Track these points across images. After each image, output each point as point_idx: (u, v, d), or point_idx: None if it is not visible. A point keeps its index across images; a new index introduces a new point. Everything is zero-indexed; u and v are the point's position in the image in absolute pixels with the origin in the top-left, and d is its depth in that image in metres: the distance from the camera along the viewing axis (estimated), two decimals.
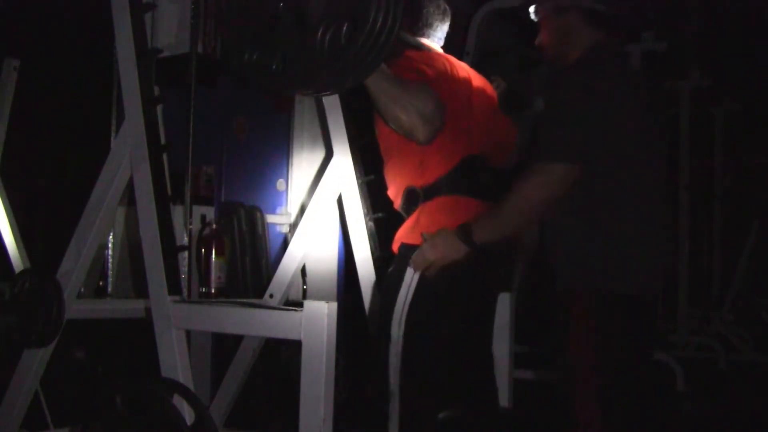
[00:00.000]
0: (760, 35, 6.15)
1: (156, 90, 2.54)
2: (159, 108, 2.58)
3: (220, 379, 3.06)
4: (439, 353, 2.37)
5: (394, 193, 2.51)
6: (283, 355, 3.72)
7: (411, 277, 2.30)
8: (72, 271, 2.63)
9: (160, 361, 2.29)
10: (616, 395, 2.20)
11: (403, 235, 2.43)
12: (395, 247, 2.46)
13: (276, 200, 4.13)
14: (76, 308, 2.69)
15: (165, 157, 2.51)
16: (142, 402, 2.17)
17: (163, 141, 2.56)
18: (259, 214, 3.89)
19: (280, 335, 2.06)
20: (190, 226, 2.59)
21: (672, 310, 6.63)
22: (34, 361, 2.68)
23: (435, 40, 2.63)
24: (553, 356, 2.33)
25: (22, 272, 2.82)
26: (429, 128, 2.30)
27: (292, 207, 4.14)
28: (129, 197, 2.74)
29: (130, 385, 2.24)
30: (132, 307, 3.00)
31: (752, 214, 7.32)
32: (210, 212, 3.57)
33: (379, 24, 1.91)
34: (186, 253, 2.51)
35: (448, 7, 2.65)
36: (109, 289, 3.45)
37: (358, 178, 2.71)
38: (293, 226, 4.05)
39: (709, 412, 4.93)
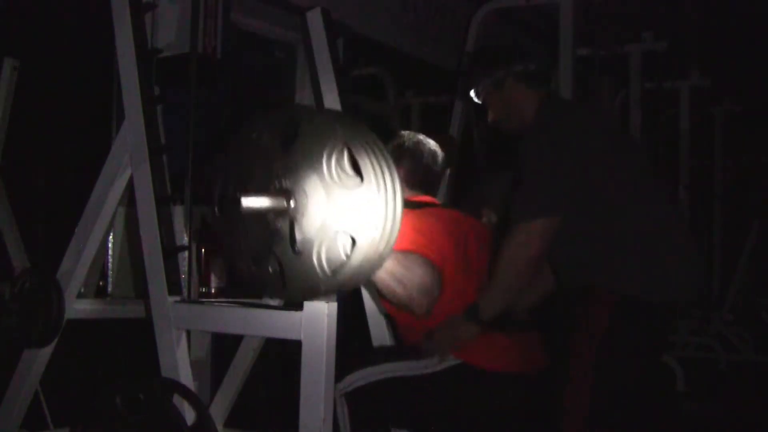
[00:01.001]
0: (760, 35, 6.16)
1: (156, 90, 2.54)
2: (159, 108, 2.58)
3: (220, 379, 3.06)
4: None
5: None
6: (283, 355, 3.72)
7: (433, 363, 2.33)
8: (72, 271, 2.63)
9: (160, 361, 2.29)
10: (609, 395, 2.20)
11: None
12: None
13: None
14: (76, 308, 2.69)
15: (165, 157, 2.51)
16: (142, 402, 2.17)
17: (163, 141, 2.55)
18: None
19: (280, 335, 2.06)
20: (190, 226, 2.58)
21: None
22: (34, 361, 2.68)
23: (432, 193, 2.62)
24: (551, 349, 2.34)
25: (22, 272, 2.82)
26: (427, 300, 2.23)
27: None
28: (129, 197, 2.74)
29: (130, 385, 2.24)
30: (132, 307, 3.00)
31: (752, 214, 7.32)
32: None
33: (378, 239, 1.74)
34: (186, 253, 2.51)
35: (438, 150, 2.62)
36: (109, 289, 3.45)
37: None
38: None
39: (709, 412, 4.93)
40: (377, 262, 1.78)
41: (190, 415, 2.14)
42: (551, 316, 2.39)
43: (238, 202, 1.77)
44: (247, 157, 1.89)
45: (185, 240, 2.59)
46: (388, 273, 2.16)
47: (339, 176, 1.72)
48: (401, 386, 2.34)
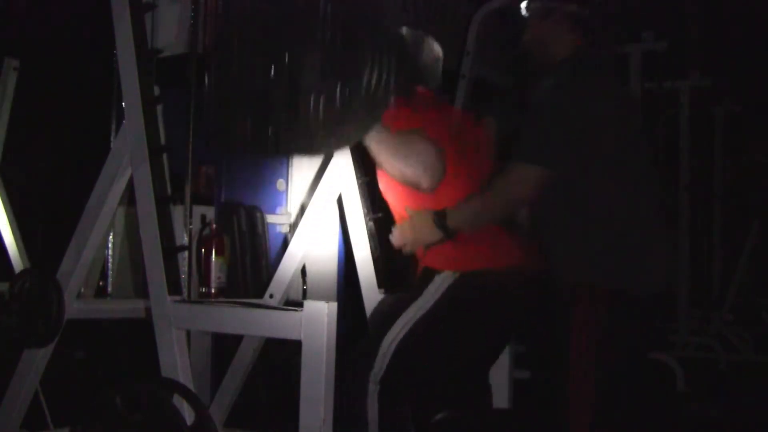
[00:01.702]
0: (760, 35, 6.16)
1: (156, 90, 2.54)
2: (159, 108, 2.58)
3: (220, 379, 3.06)
4: (436, 365, 2.37)
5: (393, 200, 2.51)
6: (283, 355, 3.72)
7: (435, 289, 2.32)
8: (72, 271, 2.63)
9: (160, 361, 2.29)
10: (613, 392, 2.21)
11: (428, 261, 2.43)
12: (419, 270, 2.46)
13: (276, 200, 4.13)
14: (76, 308, 2.69)
15: (165, 157, 2.51)
16: (142, 402, 2.17)
17: (163, 141, 2.55)
18: (259, 214, 3.89)
19: (280, 335, 2.06)
20: (190, 226, 2.58)
21: (672, 310, 6.63)
22: (34, 361, 2.68)
23: (430, 86, 2.63)
24: (549, 350, 2.33)
25: (22, 272, 2.82)
26: (432, 175, 2.30)
27: (292, 207, 4.14)
28: (129, 197, 2.74)
29: (130, 385, 2.24)
30: (132, 307, 3.00)
31: (752, 214, 7.32)
32: (210, 212, 3.57)
33: (374, 81, 1.88)
34: (186, 253, 2.51)
35: (440, 50, 2.63)
36: (109, 289, 3.45)
37: (358, 178, 2.72)
38: (293, 226, 4.05)
39: (709, 412, 4.92)
40: (375, 114, 1.92)
41: (190, 415, 2.13)
42: (550, 316, 2.39)
43: None
44: None
45: (185, 240, 2.59)
46: (391, 150, 2.23)
47: None
48: (420, 336, 2.29)
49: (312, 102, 1.92)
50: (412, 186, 2.33)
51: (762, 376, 6.16)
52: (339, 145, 2.13)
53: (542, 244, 2.35)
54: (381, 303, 2.78)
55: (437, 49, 2.62)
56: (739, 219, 7.40)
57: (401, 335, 2.27)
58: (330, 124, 1.93)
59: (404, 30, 2.61)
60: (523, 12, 2.50)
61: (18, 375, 2.72)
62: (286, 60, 1.92)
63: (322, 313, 1.92)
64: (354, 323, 2.91)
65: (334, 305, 1.93)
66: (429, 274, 2.38)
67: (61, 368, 2.93)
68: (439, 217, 2.29)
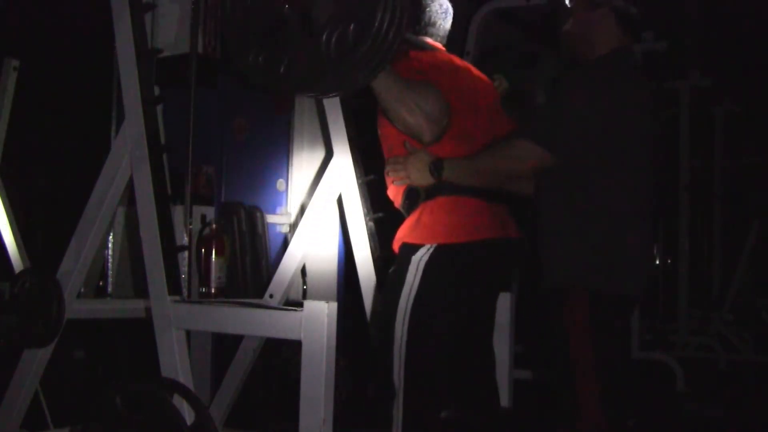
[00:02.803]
0: (760, 35, 6.16)
1: (156, 90, 2.54)
2: (159, 108, 2.58)
3: (220, 379, 3.06)
4: (442, 352, 2.37)
5: (395, 192, 2.51)
6: (283, 355, 3.73)
7: (414, 276, 2.32)
8: (72, 271, 2.63)
9: (160, 361, 2.29)
10: (616, 391, 2.22)
11: (404, 234, 2.44)
12: (396, 246, 2.47)
13: (276, 200, 4.13)
14: (76, 308, 2.69)
15: (165, 157, 2.51)
16: (142, 402, 2.17)
17: (163, 141, 2.55)
18: (259, 214, 3.89)
19: (280, 335, 2.06)
20: (190, 226, 2.58)
21: (672, 310, 6.63)
22: (34, 361, 2.68)
23: (438, 39, 2.63)
24: (549, 353, 2.34)
25: (22, 272, 2.82)
26: (435, 128, 2.32)
27: (292, 207, 4.14)
28: (129, 197, 2.74)
29: (130, 385, 2.24)
30: (132, 307, 3.00)
31: (752, 214, 7.32)
32: (210, 212, 3.57)
33: (385, 24, 1.91)
34: (186, 253, 2.51)
35: (450, 6, 2.65)
36: (109, 289, 3.45)
37: (358, 178, 2.71)
38: (293, 226, 4.05)
39: (709, 412, 4.92)
40: (385, 54, 1.89)
41: (190, 415, 2.13)
42: (546, 320, 2.39)
43: None
44: None
45: (185, 240, 2.59)
46: (396, 95, 2.25)
47: None
48: (423, 324, 2.31)
49: (324, 41, 1.95)
50: (413, 136, 2.35)
51: (762, 376, 6.16)
52: (348, 87, 2.15)
53: (537, 243, 2.36)
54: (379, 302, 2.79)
55: (446, 3, 2.63)
56: (739, 219, 7.40)
57: (406, 331, 2.29)
58: (340, 65, 1.96)
59: None
60: (567, 2, 2.45)
61: (18, 375, 2.72)
62: None
63: (322, 313, 1.92)
64: (354, 323, 2.91)
65: (334, 305, 1.93)
66: (405, 253, 2.38)
67: (61, 368, 2.93)
68: (435, 163, 2.31)
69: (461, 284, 2.38)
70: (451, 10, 2.66)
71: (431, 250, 2.34)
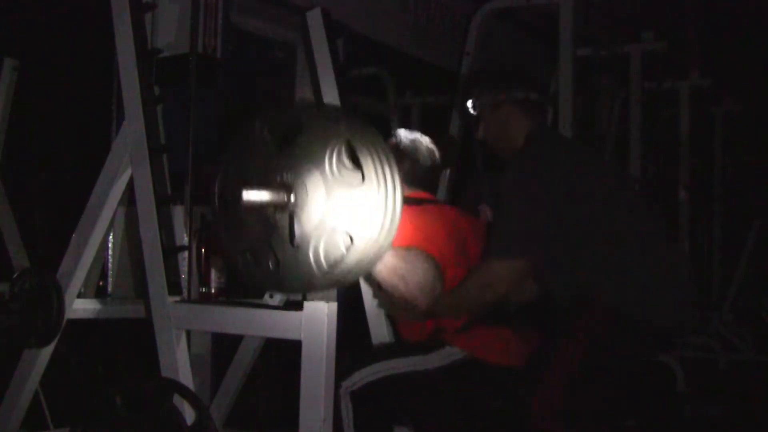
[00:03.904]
0: (760, 35, 6.16)
1: (156, 90, 2.54)
2: (159, 108, 2.58)
3: (220, 379, 3.06)
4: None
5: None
6: (283, 355, 3.72)
7: (440, 358, 2.36)
8: (72, 271, 2.63)
9: (160, 361, 2.29)
10: (585, 396, 2.21)
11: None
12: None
13: None
14: (76, 308, 2.69)
15: (165, 157, 2.51)
16: (142, 402, 2.17)
17: (163, 141, 2.55)
18: None
19: (280, 335, 2.05)
20: (190, 226, 2.58)
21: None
22: (34, 361, 2.68)
23: (427, 188, 2.65)
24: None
25: (22, 272, 2.82)
26: (428, 299, 2.27)
27: None
28: (129, 197, 2.74)
29: (130, 385, 2.24)
30: (132, 307, 3.00)
31: (752, 214, 7.32)
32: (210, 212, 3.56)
33: (384, 236, 1.76)
34: (186, 253, 2.51)
35: (436, 150, 2.65)
36: (109, 289, 3.45)
37: None
38: None
39: (709, 412, 4.92)
40: (374, 260, 1.80)
41: (190, 415, 2.13)
42: (547, 320, 2.39)
43: (239, 195, 1.77)
44: (248, 153, 1.90)
45: (185, 240, 2.59)
46: (390, 269, 2.19)
47: (340, 173, 1.74)
48: (408, 382, 2.35)
49: (312, 254, 1.82)
50: (407, 305, 2.31)
51: (762, 376, 6.16)
52: (340, 286, 2.13)
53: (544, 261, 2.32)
54: None
55: (433, 149, 2.64)
56: (739, 219, 7.40)
57: (385, 374, 2.33)
58: (329, 273, 1.82)
59: (401, 133, 2.64)
60: (471, 111, 2.50)
61: (18, 375, 2.72)
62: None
63: (322, 313, 1.92)
64: (354, 323, 2.90)
65: (334, 305, 1.93)
66: (439, 338, 2.39)
67: (61, 368, 2.93)
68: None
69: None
70: (435, 151, 2.65)
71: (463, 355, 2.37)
